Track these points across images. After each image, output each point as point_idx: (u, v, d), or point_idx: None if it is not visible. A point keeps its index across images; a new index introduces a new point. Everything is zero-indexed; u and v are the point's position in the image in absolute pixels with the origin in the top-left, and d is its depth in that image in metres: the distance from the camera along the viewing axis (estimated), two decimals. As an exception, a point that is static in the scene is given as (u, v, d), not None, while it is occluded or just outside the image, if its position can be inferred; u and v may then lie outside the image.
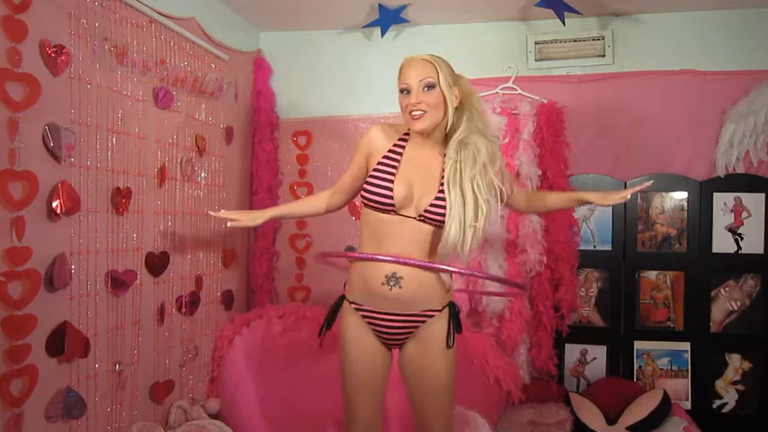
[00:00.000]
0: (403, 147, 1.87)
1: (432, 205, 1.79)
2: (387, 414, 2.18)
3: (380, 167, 1.84)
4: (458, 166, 1.77)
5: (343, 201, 2.09)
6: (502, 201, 1.86)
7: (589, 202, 2.11)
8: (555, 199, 2.25)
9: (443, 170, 1.80)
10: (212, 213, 2.22)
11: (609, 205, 2.25)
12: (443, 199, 1.78)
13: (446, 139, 1.85)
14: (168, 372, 2.56)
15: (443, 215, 1.77)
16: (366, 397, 1.92)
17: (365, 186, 1.85)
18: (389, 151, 1.86)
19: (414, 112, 1.78)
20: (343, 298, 1.96)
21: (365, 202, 1.86)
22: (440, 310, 1.87)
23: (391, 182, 1.81)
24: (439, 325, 1.87)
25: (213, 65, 2.90)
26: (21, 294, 1.77)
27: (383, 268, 1.81)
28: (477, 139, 1.79)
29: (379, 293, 1.83)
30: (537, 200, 2.27)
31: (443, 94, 1.78)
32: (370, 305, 1.87)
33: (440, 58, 1.83)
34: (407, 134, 1.89)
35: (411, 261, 1.78)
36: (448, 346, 1.86)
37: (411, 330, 1.88)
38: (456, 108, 1.82)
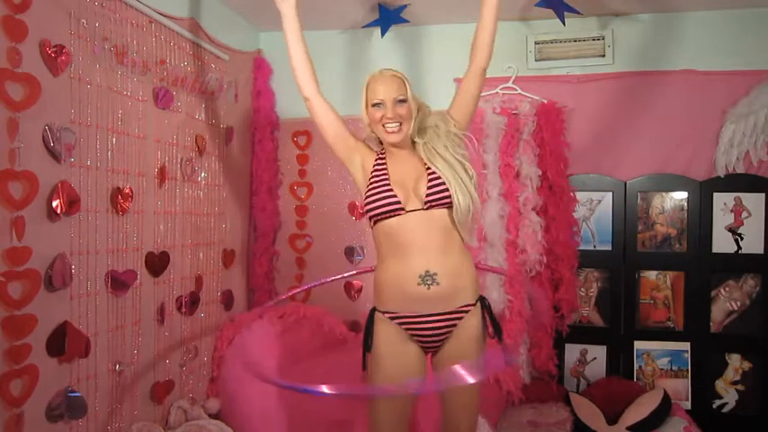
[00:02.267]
0: (384, 161, 1.96)
1: (429, 188, 1.85)
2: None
3: (374, 180, 1.92)
4: (429, 146, 1.91)
5: (316, 95, 2.01)
6: (467, 123, 1.99)
7: None
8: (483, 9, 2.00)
9: (423, 160, 1.92)
10: None
11: None
12: (435, 178, 1.86)
13: (413, 142, 1.97)
14: (168, 372, 2.56)
15: (443, 191, 1.84)
16: (399, 414, 1.89)
17: (367, 200, 1.89)
18: (375, 167, 1.95)
19: (389, 125, 1.89)
20: (374, 311, 1.92)
21: (374, 215, 1.88)
22: (474, 305, 1.89)
23: (388, 185, 1.88)
24: (474, 321, 1.89)
25: (213, 65, 2.91)
26: (21, 294, 1.77)
27: (414, 269, 1.82)
28: (430, 120, 1.96)
29: (417, 295, 1.83)
30: (476, 38, 1.99)
31: (411, 107, 1.91)
32: (406, 311, 1.85)
33: (402, 74, 1.95)
34: (383, 152, 1.99)
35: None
36: (491, 337, 1.90)
37: (451, 330, 1.87)
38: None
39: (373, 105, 1.90)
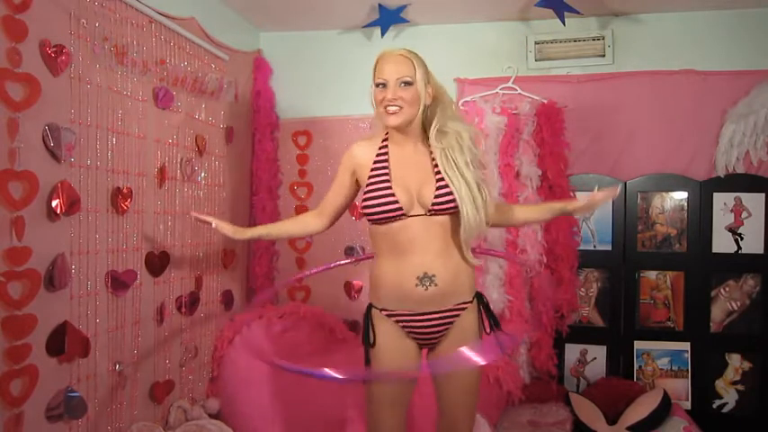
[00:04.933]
0: (386, 152, 1.87)
1: (437, 196, 1.79)
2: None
3: (373, 179, 1.84)
4: (447, 153, 1.81)
5: (328, 223, 2.08)
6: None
7: (572, 213, 2.06)
8: (527, 211, 2.15)
9: (432, 160, 1.84)
10: (193, 215, 2.21)
11: (593, 208, 2.14)
12: (444, 187, 1.79)
13: (425, 132, 1.88)
14: (168, 372, 2.56)
15: (451, 202, 1.79)
16: (397, 409, 1.89)
17: (366, 203, 1.83)
18: (375, 162, 1.86)
19: (389, 107, 1.79)
20: (371, 307, 1.91)
21: (372, 218, 1.83)
22: (471, 302, 1.89)
23: (390, 188, 1.80)
24: (471, 318, 1.88)
25: (213, 65, 2.91)
26: (21, 294, 1.77)
27: (413, 270, 1.80)
28: (454, 125, 1.84)
29: (415, 296, 1.81)
30: (506, 212, 2.04)
31: (418, 92, 1.80)
32: (403, 309, 1.84)
33: (416, 54, 1.84)
34: (385, 139, 1.90)
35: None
36: (486, 333, 1.88)
37: (448, 326, 1.86)
38: (429, 104, 1.85)
39: (377, 85, 1.82)
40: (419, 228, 1.81)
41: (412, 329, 1.86)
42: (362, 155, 1.90)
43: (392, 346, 1.86)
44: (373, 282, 1.91)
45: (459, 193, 1.78)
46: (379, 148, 1.89)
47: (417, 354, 1.91)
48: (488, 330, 1.89)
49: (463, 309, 1.87)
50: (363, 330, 1.91)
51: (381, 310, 1.88)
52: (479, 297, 1.92)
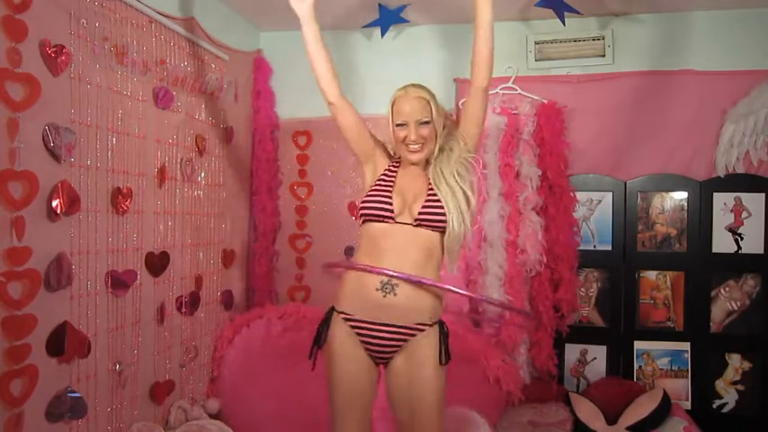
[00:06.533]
0: (396, 170, 1.97)
1: (423, 207, 1.86)
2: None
3: (379, 184, 1.93)
4: (438, 168, 1.92)
5: (338, 101, 1.94)
6: (476, 143, 1.98)
7: None
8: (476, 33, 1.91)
9: (428, 179, 1.93)
10: None
11: None
12: (433, 201, 1.86)
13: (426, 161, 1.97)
14: (168, 372, 2.56)
15: (435, 214, 1.85)
16: (356, 414, 1.89)
17: (365, 200, 1.90)
18: (386, 171, 1.97)
19: (411, 146, 1.90)
20: (332, 310, 1.94)
21: (366, 214, 1.89)
22: (430, 325, 1.86)
23: (389, 194, 1.89)
24: (428, 341, 1.85)
25: (213, 65, 2.91)
26: (21, 294, 1.77)
27: (379, 275, 1.82)
28: (447, 141, 1.95)
29: (373, 300, 1.83)
30: (473, 57, 1.92)
31: (435, 128, 1.92)
32: (360, 315, 1.86)
33: (429, 90, 1.94)
34: (398, 162, 2.00)
35: (413, 277, 1.80)
36: (441, 363, 1.85)
37: (400, 344, 1.85)
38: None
39: (397, 125, 1.91)
40: (402, 236, 1.85)
41: (365, 339, 1.87)
42: (383, 160, 2.01)
43: (347, 352, 1.87)
44: (342, 283, 1.94)
45: (445, 201, 1.85)
46: (393, 164, 2.00)
47: (371, 367, 1.90)
48: (443, 362, 1.85)
49: (420, 330, 1.85)
50: (317, 329, 1.93)
51: (340, 313, 1.90)
52: (441, 325, 1.89)
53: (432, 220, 1.85)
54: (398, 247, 1.84)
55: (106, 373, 2.16)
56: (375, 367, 1.92)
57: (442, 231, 1.86)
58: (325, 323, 1.92)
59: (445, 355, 1.86)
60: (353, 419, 1.90)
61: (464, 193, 1.88)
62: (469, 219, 1.88)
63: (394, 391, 1.90)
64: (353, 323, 1.87)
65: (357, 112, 1.99)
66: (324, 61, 1.94)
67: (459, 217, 1.85)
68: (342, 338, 1.88)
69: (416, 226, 1.86)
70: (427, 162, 1.95)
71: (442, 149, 1.94)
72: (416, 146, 1.90)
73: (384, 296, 1.81)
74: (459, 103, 3.19)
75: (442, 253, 1.89)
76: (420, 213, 1.85)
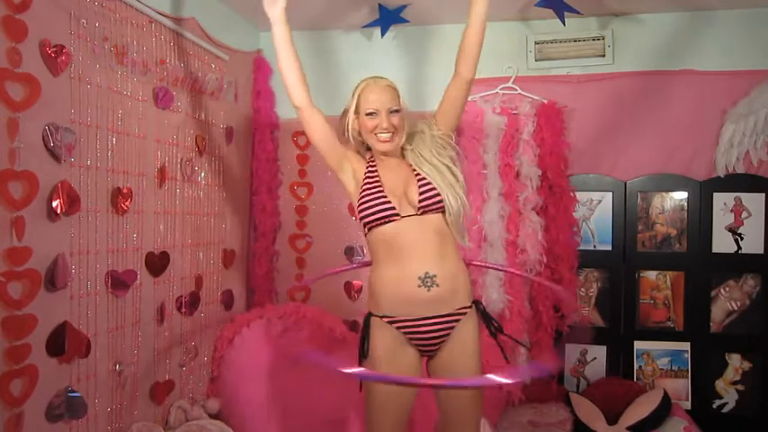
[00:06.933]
0: (375, 168, 1.98)
1: (421, 194, 1.87)
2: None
3: (367, 189, 1.92)
4: (416, 152, 1.96)
5: (307, 107, 1.94)
6: (453, 127, 2.01)
7: None
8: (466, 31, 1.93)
9: (410, 166, 1.96)
10: None
11: None
12: (426, 183, 1.89)
13: (402, 150, 2.01)
14: (168, 372, 2.56)
15: (434, 196, 1.87)
16: (397, 419, 1.89)
17: (363, 211, 1.90)
18: (367, 173, 1.97)
19: (382, 135, 1.92)
20: (370, 316, 1.92)
21: (369, 222, 1.89)
22: (470, 307, 1.90)
23: (383, 194, 1.89)
24: (470, 325, 1.89)
25: (213, 65, 2.91)
26: (21, 294, 1.77)
27: (413, 271, 1.83)
28: (415, 127, 2.01)
29: (417, 296, 1.83)
30: (462, 48, 1.95)
31: (403, 117, 1.96)
32: (405, 314, 1.85)
33: (393, 82, 1.99)
34: (372, 160, 2.00)
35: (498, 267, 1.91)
36: (492, 335, 1.92)
37: (449, 332, 1.87)
38: None
39: (367, 114, 1.93)
40: (414, 231, 1.86)
41: (413, 336, 1.87)
42: (359, 163, 2.01)
43: (392, 355, 1.86)
44: (372, 289, 1.92)
45: (433, 179, 1.88)
46: (368, 166, 1.99)
47: (417, 362, 1.91)
48: (493, 333, 1.92)
49: (463, 314, 1.88)
50: (360, 339, 1.91)
51: (382, 317, 1.88)
52: (477, 304, 1.94)
53: (432, 202, 1.87)
54: (416, 241, 1.85)
55: (106, 373, 2.16)
56: (420, 362, 1.93)
57: (444, 210, 1.88)
58: (366, 330, 1.90)
59: (490, 325, 1.93)
60: (394, 426, 1.90)
61: (448, 168, 1.92)
62: (462, 190, 1.91)
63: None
64: (398, 324, 1.86)
65: (326, 121, 1.95)
66: (293, 63, 1.94)
67: (452, 191, 1.88)
68: (386, 342, 1.87)
69: (422, 213, 1.86)
70: (402, 150, 1.98)
71: (411, 135, 1.98)
72: (387, 135, 1.91)
73: (429, 290, 1.82)
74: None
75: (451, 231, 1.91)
76: (421, 201, 1.86)
